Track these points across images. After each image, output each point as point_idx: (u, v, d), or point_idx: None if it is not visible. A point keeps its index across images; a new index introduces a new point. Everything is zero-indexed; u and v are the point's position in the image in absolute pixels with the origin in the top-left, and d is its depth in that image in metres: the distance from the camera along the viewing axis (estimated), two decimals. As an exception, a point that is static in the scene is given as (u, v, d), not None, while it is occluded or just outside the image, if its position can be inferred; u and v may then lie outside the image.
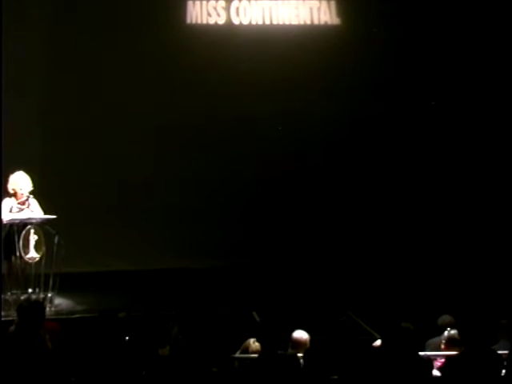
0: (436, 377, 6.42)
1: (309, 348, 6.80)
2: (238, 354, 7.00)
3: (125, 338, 6.34)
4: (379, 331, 8.52)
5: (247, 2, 12.49)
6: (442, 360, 6.77)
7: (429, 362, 6.54)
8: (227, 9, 12.49)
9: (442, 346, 7.30)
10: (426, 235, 12.31)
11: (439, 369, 6.60)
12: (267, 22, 12.54)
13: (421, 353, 6.64)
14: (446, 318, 7.64)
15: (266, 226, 12.27)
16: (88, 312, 9.59)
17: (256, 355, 6.62)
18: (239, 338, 7.42)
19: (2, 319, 8.61)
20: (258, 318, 9.09)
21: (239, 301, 10.13)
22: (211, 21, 12.49)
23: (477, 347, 6.23)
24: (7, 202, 9.52)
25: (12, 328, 6.67)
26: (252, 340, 7.03)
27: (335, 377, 6.02)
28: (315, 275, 11.43)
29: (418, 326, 6.60)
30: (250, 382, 6.09)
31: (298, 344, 7.12)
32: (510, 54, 12.47)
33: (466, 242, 12.10)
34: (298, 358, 6.42)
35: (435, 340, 7.49)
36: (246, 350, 7.06)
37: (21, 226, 9.49)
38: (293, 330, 7.17)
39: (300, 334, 7.19)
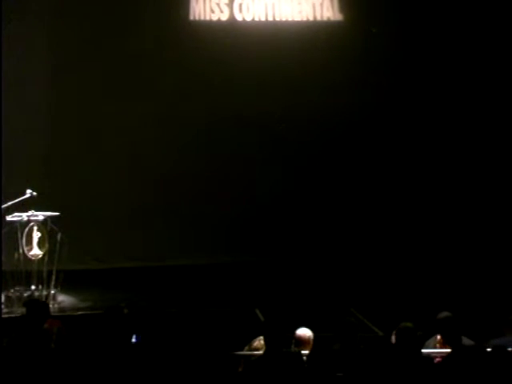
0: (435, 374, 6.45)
1: (313, 346, 6.81)
2: (243, 352, 7.00)
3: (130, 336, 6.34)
4: (382, 328, 8.55)
5: (250, -2, 12.52)
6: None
7: (430, 359, 6.56)
8: (230, 5, 12.48)
9: (438, 345, 7.31)
10: (430, 232, 12.31)
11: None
12: (270, 19, 12.53)
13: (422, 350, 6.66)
14: (443, 314, 7.62)
15: (270, 223, 12.27)
16: (91, 309, 9.60)
17: (260, 352, 6.63)
18: (242, 335, 7.42)
19: (6, 316, 8.63)
20: (260, 316, 9.10)
21: (242, 298, 10.14)
22: (214, 17, 12.49)
23: (462, 346, 6.29)
24: None
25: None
26: (259, 338, 7.04)
27: (340, 374, 6.03)
28: (319, 272, 11.44)
29: (421, 322, 6.61)
30: (255, 380, 6.10)
31: (302, 341, 7.12)
32: (510, 54, 12.46)
33: (473, 239, 12.10)
34: (301, 356, 6.43)
35: (433, 338, 7.50)
36: (255, 348, 7.08)
37: (24, 223, 9.50)
38: (296, 328, 7.18)
39: (303, 332, 7.20)
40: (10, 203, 9.56)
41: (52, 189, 11.08)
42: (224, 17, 12.51)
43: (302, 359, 6.37)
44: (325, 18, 12.67)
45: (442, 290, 10.26)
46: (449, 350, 6.64)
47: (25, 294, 9.42)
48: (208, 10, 12.47)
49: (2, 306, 9.05)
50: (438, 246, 12.10)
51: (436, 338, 7.32)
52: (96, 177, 12.01)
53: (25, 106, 11.63)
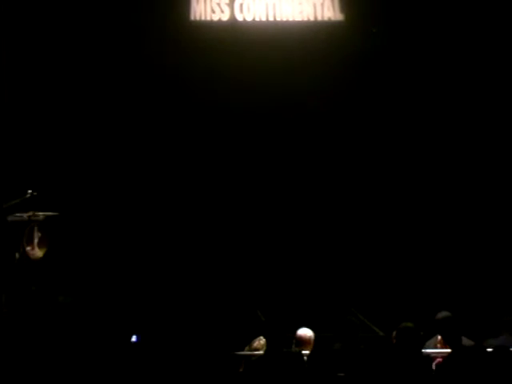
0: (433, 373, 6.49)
1: (314, 346, 6.82)
2: (244, 352, 7.01)
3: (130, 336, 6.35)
4: (383, 328, 8.54)
5: (251, -2, 12.53)
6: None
7: (429, 358, 6.59)
8: (231, 5, 12.47)
9: (439, 345, 7.32)
10: (429, 232, 12.31)
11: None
12: (271, 19, 12.52)
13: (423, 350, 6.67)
14: (442, 314, 7.62)
15: (271, 223, 12.28)
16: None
17: (261, 352, 6.64)
18: (243, 336, 7.43)
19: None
20: (262, 316, 9.10)
21: (244, 299, 10.14)
22: (215, 17, 12.49)
23: (462, 346, 6.31)
24: None
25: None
26: (259, 338, 7.05)
27: (341, 374, 6.04)
28: (320, 273, 11.44)
29: (421, 322, 6.62)
30: (256, 380, 6.10)
31: (303, 341, 7.14)
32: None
33: (470, 240, 12.09)
34: (302, 356, 6.44)
35: (435, 338, 7.51)
36: (255, 349, 7.09)
37: (24, 223, 9.51)
38: (297, 328, 7.19)
39: (304, 332, 7.21)
40: (10, 203, 9.57)
41: (52, 189, 11.10)
42: (225, 17, 12.50)
43: (303, 359, 6.38)
44: (326, 18, 12.65)
45: (441, 290, 10.26)
46: (449, 351, 6.65)
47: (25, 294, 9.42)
48: (209, 10, 12.46)
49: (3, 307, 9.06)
50: (438, 248, 12.10)
51: (437, 338, 7.34)
52: (94, 179, 12.03)
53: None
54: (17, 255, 9.45)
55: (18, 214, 9.57)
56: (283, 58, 12.17)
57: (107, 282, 11.10)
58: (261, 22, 12.49)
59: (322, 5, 12.60)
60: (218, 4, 12.44)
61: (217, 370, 6.14)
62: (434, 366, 6.69)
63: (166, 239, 12.09)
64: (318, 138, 12.51)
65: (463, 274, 11.08)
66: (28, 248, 9.52)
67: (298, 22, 12.55)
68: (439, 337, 7.27)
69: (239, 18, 12.49)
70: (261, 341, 6.97)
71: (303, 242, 12.24)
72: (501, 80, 12.42)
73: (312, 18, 12.58)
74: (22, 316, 6.90)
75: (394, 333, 6.77)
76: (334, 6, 12.59)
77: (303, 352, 6.58)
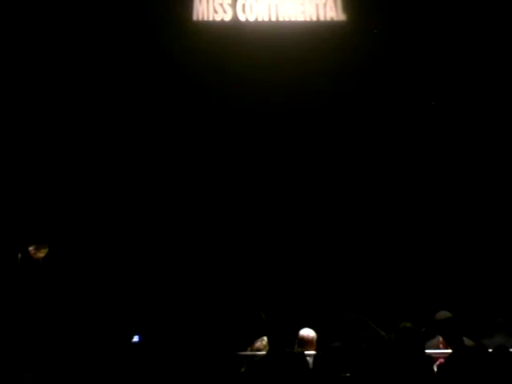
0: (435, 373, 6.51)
1: (317, 346, 6.83)
2: (246, 352, 7.02)
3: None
4: (384, 329, 8.55)
5: (253, -2, 12.54)
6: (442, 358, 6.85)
7: (428, 358, 6.61)
8: (233, 5, 12.49)
9: (441, 346, 7.32)
10: (429, 233, 12.32)
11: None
12: (273, 19, 12.54)
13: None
14: (443, 313, 7.62)
15: (273, 224, 12.29)
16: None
17: (263, 352, 6.64)
18: (245, 336, 7.43)
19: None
20: (264, 316, 9.11)
21: (246, 299, 10.15)
22: (217, 17, 12.50)
23: (463, 346, 6.33)
24: None
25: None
26: (261, 338, 7.06)
27: (344, 375, 6.05)
28: (321, 273, 11.45)
29: (422, 323, 6.63)
30: (258, 380, 6.11)
31: (305, 342, 7.14)
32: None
33: (466, 243, 12.11)
34: (304, 356, 6.44)
35: (437, 339, 7.51)
36: (257, 349, 7.10)
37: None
38: (300, 328, 7.19)
39: (307, 332, 7.22)
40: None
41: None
42: (227, 17, 12.51)
43: (305, 360, 6.38)
44: (328, 19, 12.66)
45: (440, 290, 10.29)
46: (450, 351, 6.66)
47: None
48: (211, 10, 12.48)
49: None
50: (435, 249, 12.11)
51: (439, 338, 7.34)
52: (92, 181, 12.06)
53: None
54: (19, 255, 9.48)
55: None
56: (285, 58, 12.18)
57: (109, 282, 11.11)
58: (263, 22, 12.50)
59: (325, 5, 12.60)
60: (221, 4, 12.46)
61: (219, 371, 6.14)
62: (435, 367, 6.72)
63: (167, 239, 12.12)
64: (321, 137, 12.53)
65: (459, 275, 11.10)
66: (30, 248, 9.54)
67: (301, 22, 12.56)
68: (441, 337, 7.28)
69: (242, 18, 12.49)
70: (263, 341, 6.97)
71: (305, 243, 12.26)
72: (500, 78, 12.44)
73: (314, 18, 12.59)
74: (22, 316, 6.90)
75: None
76: (336, 6, 12.60)
77: (306, 352, 6.58)
